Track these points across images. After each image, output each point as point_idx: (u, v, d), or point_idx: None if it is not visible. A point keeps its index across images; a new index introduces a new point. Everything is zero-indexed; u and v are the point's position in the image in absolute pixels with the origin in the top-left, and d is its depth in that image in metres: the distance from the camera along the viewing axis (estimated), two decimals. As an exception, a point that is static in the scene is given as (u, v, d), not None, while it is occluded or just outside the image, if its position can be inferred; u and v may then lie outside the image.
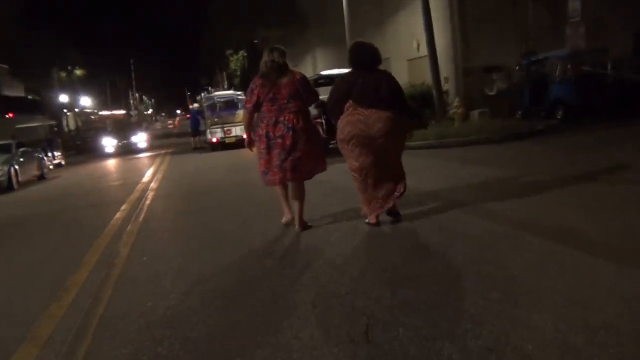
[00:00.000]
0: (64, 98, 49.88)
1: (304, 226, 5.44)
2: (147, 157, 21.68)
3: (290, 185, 5.45)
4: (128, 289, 4.29)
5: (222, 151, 19.08)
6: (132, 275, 4.66)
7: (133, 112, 78.81)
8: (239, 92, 21.66)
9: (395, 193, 5.17)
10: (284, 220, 5.65)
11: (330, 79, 12.16)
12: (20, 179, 14.74)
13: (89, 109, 63.16)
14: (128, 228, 6.85)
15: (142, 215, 7.75)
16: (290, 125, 5.16)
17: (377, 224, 5.20)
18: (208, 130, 20.32)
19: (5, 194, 13.45)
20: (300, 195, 5.40)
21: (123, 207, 8.66)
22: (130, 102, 77.30)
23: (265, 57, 5.27)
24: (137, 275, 4.63)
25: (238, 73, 33.92)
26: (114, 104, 78.44)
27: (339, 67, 14.63)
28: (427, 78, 15.80)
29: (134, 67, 68.64)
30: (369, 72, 5.10)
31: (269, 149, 5.24)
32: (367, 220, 5.27)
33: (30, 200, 12.04)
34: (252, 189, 8.43)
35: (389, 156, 5.12)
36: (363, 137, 5.00)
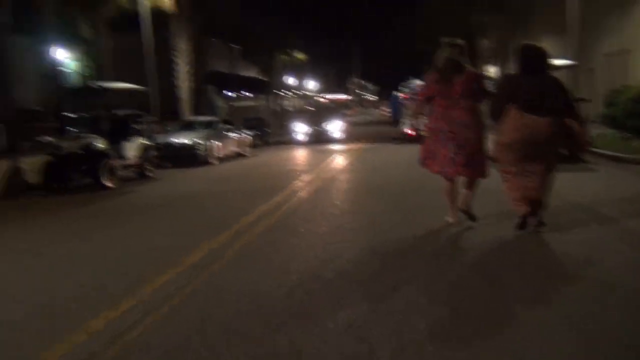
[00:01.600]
0: (290, 81, 53.56)
1: (469, 214, 5.54)
2: (338, 147, 18.96)
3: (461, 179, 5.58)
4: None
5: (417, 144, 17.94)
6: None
7: (353, 97, 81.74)
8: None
9: (538, 202, 5.10)
10: (449, 219, 5.67)
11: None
12: (218, 154, 15.58)
13: (310, 92, 67.27)
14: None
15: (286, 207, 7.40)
16: (460, 121, 5.28)
17: (523, 225, 5.18)
18: (405, 121, 19.35)
19: (199, 168, 14.31)
20: (473, 186, 5.52)
21: (277, 198, 8.28)
22: (350, 87, 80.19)
23: (444, 53, 5.36)
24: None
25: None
26: (337, 88, 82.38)
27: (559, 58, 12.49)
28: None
29: (356, 52, 70.57)
30: (534, 76, 5.03)
31: (441, 142, 5.37)
32: (516, 222, 5.22)
33: (211, 177, 12.50)
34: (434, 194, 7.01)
35: (545, 162, 5.03)
36: (527, 143, 4.95)
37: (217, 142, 15.71)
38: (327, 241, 5.45)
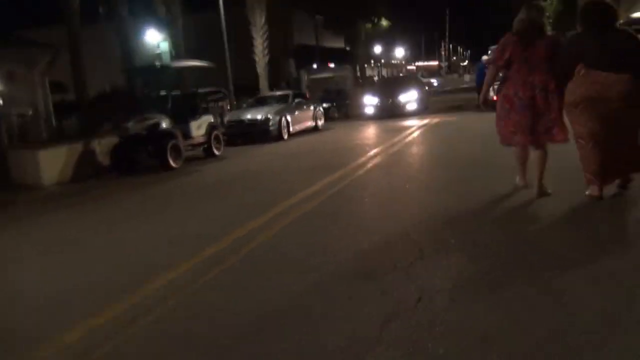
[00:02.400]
0: (377, 50, 52.19)
1: (542, 192, 5.23)
2: (410, 121, 16.17)
3: (532, 150, 5.28)
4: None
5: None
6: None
7: (444, 64, 78.46)
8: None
9: (629, 176, 4.89)
10: (518, 182, 5.58)
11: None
12: (291, 129, 15.24)
13: (399, 60, 65.37)
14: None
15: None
16: (542, 86, 5.04)
17: (600, 197, 4.78)
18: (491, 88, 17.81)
19: (273, 143, 14.03)
20: (543, 161, 5.22)
21: (331, 177, 7.74)
22: (442, 54, 77.04)
23: (522, 15, 5.13)
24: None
25: (551, 20, 29.50)
26: (428, 55, 79.52)
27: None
28: None
29: (448, 15, 67.41)
30: (603, 33, 4.71)
31: (517, 109, 5.14)
32: (587, 192, 4.88)
33: (278, 153, 12.16)
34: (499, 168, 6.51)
35: (624, 125, 4.63)
36: (597, 100, 4.61)
37: (289, 117, 15.34)
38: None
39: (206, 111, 12.54)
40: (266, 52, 21.18)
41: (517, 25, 5.15)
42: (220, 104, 13.74)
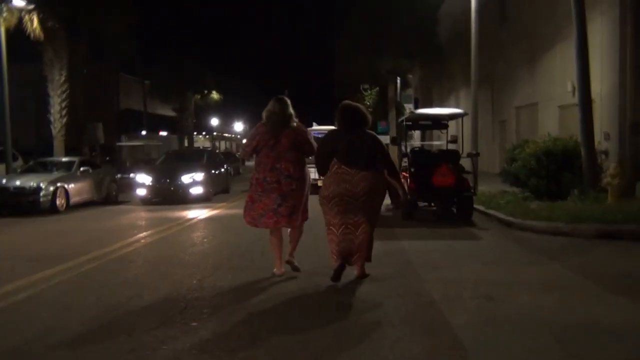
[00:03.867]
0: (214, 122, 51.49)
1: (293, 267, 5.78)
2: (186, 211, 12.25)
3: (285, 230, 5.78)
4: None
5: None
6: None
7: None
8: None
9: (361, 256, 5.33)
10: (275, 271, 5.75)
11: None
12: (64, 202, 13.05)
13: (237, 133, 65.38)
14: None
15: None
16: (286, 173, 5.50)
17: (337, 277, 5.29)
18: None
19: (41, 217, 11.82)
20: (296, 237, 5.80)
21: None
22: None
23: (270, 107, 5.60)
24: None
25: (371, 110, 31.17)
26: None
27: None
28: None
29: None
30: (354, 132, 5.33)
31: (264, 192, 5.52)
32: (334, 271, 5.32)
33: (37, 232, 10.05)
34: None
35: (365, 214, 5.24)
36: (346, 196, 5.20)
37: (69, 186, 13.25)
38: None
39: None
40: (64, 112, 18.91)
41: (265, 115, 5.63)
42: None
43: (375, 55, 24.06)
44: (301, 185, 5.56)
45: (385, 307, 4.61)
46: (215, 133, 53.10)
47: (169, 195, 14.34)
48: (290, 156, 5.51)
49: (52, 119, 18.92)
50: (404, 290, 5.17)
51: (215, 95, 36.71)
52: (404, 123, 11.75)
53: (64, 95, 18.81)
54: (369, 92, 31.38)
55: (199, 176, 14.64)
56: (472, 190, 10.05)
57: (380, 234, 7.51)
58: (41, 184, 12.51)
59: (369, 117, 5.46)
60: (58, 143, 18.82)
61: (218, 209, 13.00)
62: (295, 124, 5.62)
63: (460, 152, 10.79)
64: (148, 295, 5.13)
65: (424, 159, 10.51)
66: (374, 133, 5.50)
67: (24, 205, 12.41)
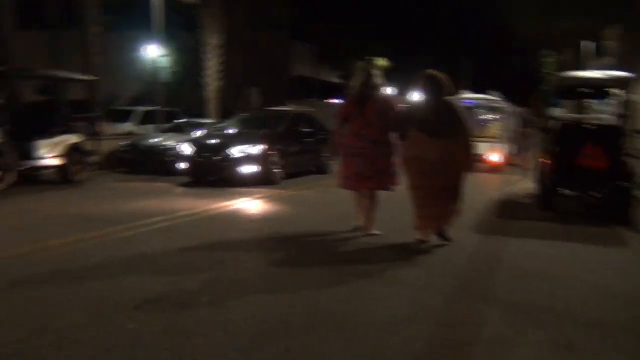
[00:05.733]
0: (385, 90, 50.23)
1: (369, 233, 6.04)
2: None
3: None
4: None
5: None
6: None
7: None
8: (496, 98, 16.03)
9: (447, 219, 5.66)
10: (354, 224, 6.23)
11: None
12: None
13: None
14: None
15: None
16: (371, 139, 5.86)
17: (424, 241, 5.57)
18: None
19: (167, 177, 11.95)
20: (372, 204, 6.06)
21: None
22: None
23: (359, 78, 6.00)
24: None
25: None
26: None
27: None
28: None
29: (463, 63, 65.41)
30: (434, 102, 5.53)
31: (350, 157, 5.97)
32: (417, 237, 5.61)
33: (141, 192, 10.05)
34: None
35: (447, 181, 5.45)
36: (425, 160, 5.40)
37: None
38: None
39: (68, 130, 10.58)
40: (218, 76, 19.37)
41: (354, 85, 6.07)
42: (99, 124, 11.74)
43: (557, 15, 20.58)
44: (385, 151, 5.91)
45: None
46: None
47: (211, 173, 10.66)
48: (375, 124, 5.85)
49: (206, 81, 19.51)
50: (444, 317, 3.71)
51: (382, 61, 35.39)
52: (553, 89, 9.29)
53: (218, 60, 19.22)
54: (549, 58, 27.41)
55: (256, 149, 10.56)
56: (634, 180, 7.54)
57: (489, 227, 7.00)
58: (172, 144, 12.55)
59: (451, 86, 5.60)
60: (212, 106, 19.39)
61: (252, 197, 9.13)
62: (381, 94, 6.06)
63: (628, 128, 8.16)
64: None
65: (574, 136, 8.21)
66: (455, 102, 5.71)
67: (153, 164, 12.44)
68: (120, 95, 26.89)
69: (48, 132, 10.17)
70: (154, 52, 18.00)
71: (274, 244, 5.82)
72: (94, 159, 11.45)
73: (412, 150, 5.48)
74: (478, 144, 11.99)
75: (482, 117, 15.13)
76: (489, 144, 14.44)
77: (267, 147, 10.70)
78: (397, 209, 6.51)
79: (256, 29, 25.47)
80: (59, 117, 10.54)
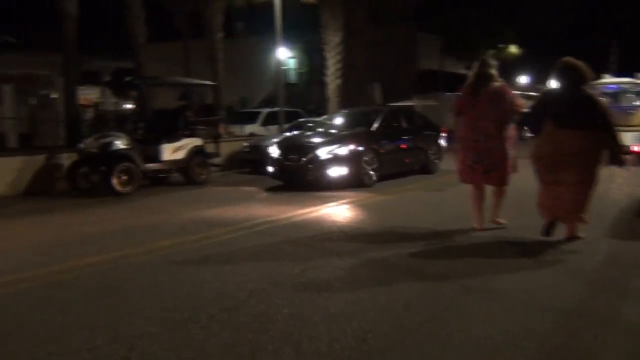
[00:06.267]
0: (522, 79, 47.14)
1: (496, 221, 5.98)
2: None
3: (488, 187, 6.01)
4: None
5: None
6: None
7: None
8: (641, 81, 14.06)
9: (578, 216, 5.31)
10: (475, 225, 5.96)
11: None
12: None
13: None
14: None
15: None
16: (486, 132, 5.71)
17: (547, 232, 5.28)
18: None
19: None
20: (498, 198, 5.97)
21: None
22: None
23: (474, 69, 5.88)
24: None
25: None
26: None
27: None
28: None
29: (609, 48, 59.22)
30: (569, 91, 5.28)
31: (464, 150, 5.89)
32: (543, 233, 5.32)
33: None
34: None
35: (579, 175, 5.17)
36: (556, 155, 5.19)
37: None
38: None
39: (192, 133, 11.10)
40: (339, 74, 19.34)
41: (469, 77, 5.94)
42: (222, 126, 12.20)
43: None
44: (499, 144, 5.74)
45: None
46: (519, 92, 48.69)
47: (296, 175, 10.00)
48: (489, 115, 5.70)
49: (327, 80, 19.58)
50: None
51: (513, 49, 33.16)
52: None
53: (338, 57, 19.20)
54: None
55: (345, 149, 9.81)
56: None
57: (629, 229, 6.21)
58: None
59: (588, 74, 5.30)
60: (332, 104, 19.43)
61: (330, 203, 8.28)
62: (496, 84, 5.79)
63: None
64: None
65: None
66: (590, 92, 5.39)
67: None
68: (252, 98, 28.22)
69: (173, 136, 10.76)
70: (281, 55, 18.37)
71: (352, 252, 5.45)
72: (216, 160, 11.90)
73: (545, 146, 5.26)
74: (623, 134, 10.81)
75: (629, 103, 13.43)
76: (637, 134, 12.79)
77: (357, 146, 9.94)
78: (522, 203, 6.28)
79: (379, 22, 25.13)
80: (183, 122, 11.11)
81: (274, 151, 10.37)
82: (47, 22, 13.03)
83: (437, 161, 11.77)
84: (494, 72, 5.82)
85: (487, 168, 5.75)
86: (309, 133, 11.44)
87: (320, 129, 11.52)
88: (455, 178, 6.23)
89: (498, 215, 6.00)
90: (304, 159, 9.84)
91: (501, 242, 5.44)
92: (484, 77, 5.80)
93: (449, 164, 9.57)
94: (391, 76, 29.76)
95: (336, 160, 9.72)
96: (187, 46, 21.54)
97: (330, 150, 9.80)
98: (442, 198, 8.71)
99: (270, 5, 15.79)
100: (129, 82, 11.05)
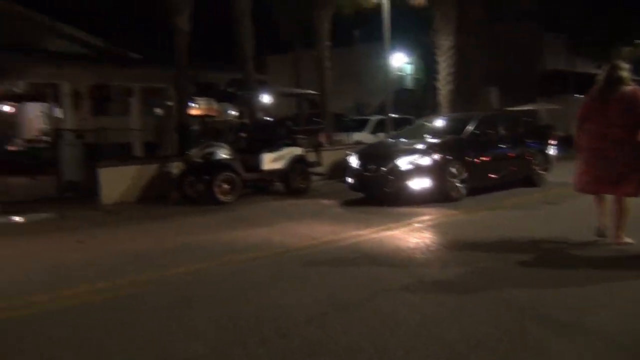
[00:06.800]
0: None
1: (619, 241, 5.49)
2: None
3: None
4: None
5: None
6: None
7: None
8: None
9: None
10: (597, 227, 5.75)
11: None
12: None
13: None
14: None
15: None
16: (615, 139, 5.38)
17: None
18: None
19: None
20: (618, 209, 5.49)
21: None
22: None
23: (604, 73, 5.57)
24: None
25: None
26: None
27: None
28: None
29: None
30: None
31: (591, 159, 5.56)
32: None
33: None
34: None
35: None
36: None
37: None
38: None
39: (293, 142, 11.15)
40: (450, 78, 18.51)
41: (598, 81, 5.62)
42: (323, 135, 12.11)
43: None
44: (632, 152, 5.37)
45: None
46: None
47: (375, 187, 9.41)
48: (620, 121, 5.37)
49: (438, 85, 18.87)
50: None
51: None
52: None
53: (449, 61, 18.43)
54: None
55: (428, 159, 9.01)
56: None
57: None
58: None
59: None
60: (444, 110, 18.68)
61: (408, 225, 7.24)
62: (628, 88, 5.44)
63: None
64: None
65: None
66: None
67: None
68: (369, 104, 28.07)
69: (273, 145, 10.88)
70: (397, 60, 17.99)
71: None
72: (318, 169, 11.84)
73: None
74: None
75: None
76: None
77: (441, 155, 9.08)
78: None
79: (497, 22, 23.80)
80: (283, 131, 11.20)
81: (354, 161, 9.81)
82: (164, 38, 13.88)
83: (542, 172, 10.70)
84: (625, 74, 5.48)
85: (618, 178, 5.39)
86: (392, 141, 10.85)
87: (405, 137, 10.81)
88: (565, 191, 6.04)
89: (622, 235, 5.51)
90: (383, 170, 9.15)
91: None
92: (614, 81, 5.47)
93: (559, 176, 8.60)
94: (512, 78, 28.15)
95: (418, 171, 8.93)
96: (297, 56, 21.92)
97: (412, 160, 9.04)
98: (538, 215, 7.67)
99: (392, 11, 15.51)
100: (231, 93, 11.41)
